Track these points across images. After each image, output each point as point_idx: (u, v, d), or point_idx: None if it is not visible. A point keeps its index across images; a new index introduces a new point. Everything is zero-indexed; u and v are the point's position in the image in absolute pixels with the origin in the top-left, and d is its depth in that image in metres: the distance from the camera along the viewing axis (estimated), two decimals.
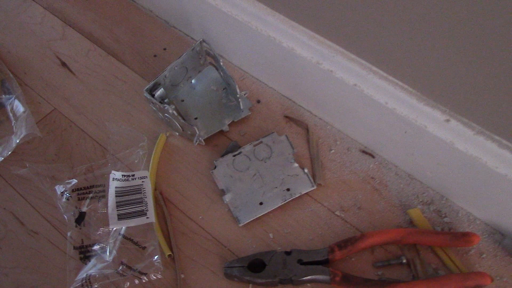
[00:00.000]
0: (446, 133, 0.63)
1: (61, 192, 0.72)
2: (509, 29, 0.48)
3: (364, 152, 0.76)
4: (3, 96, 0.82)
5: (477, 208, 0.68)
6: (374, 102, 0.67)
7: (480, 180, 0.64)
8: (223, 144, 0.77)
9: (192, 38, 0.90)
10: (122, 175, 0.72)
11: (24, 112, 0.79)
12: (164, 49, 0.88)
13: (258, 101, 0.81)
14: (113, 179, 0.71)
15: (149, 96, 0.74)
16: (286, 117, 0.79)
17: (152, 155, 0.75)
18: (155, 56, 0.87)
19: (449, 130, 0.62)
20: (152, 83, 0.75)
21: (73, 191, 0.72)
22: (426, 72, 0.59)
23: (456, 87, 0.58)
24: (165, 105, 0.72)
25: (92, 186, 0.73)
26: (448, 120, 0.62)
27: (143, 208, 0.69)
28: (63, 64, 0.87)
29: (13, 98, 0.81)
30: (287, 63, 0.74)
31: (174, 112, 0.72)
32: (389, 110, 0.66)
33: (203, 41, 0.77)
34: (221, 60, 0.76)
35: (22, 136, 0.76)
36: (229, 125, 0.78)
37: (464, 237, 0.65)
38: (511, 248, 0.66)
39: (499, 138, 0.59)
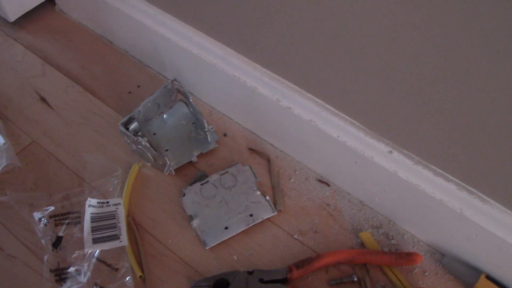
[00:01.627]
0: (390, 163, 0.71)
1: (39, 218, 0.77)
2: (435, 74, 0.56)
3: (320, 181, 0.83)
4: None
5: (420, 230, 0.76)
6: (327, 136, 0.74)
7: (420, 205, 0.71)
8: (192, 173, 0.84)
9: (164, 77, 0.97)
10: (97, 202, 0.77)
11: (4, 143, 0.84)
12: (138, 86, 0.95)
13: (225, 135, 0.88)
14: (89, 205, 0.76)
15: (123, 129, 0.80)
16: (250, 149, 0.87)
17: (126, 184, 0.81)
18: (129, 93, 0.94)
19: (392, 161, 0.71)
20: (127, 117, 0.81)
21: (50, 217, 0.77)
22: (372, 109, 0.68)
23: (397, 122, 0.67)
24: (139, 137, 0.79)
25: (68, 213, 0.78)
26: (391, 152, 0.70)
27: (117, 232, 0.75)
28: (42, 99, 0.93)
29: None
30: (250, 100, 0.82)
31: (147, 144, 0.79)
32: (341, 142, 0.74)
33: (174, 80, 0.84)
34: (190, 97, 0.83)
35: (2, 166, 0.81)
36: (198, 156, 0.85)
37: (409, 257, 0.72)
38: (450, 266, 0.73)
39: (434, 167, 0.68)
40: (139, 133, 0.84)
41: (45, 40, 1.02)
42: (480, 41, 0.50)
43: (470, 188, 0.66)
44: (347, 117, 0.73)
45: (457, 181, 0.67)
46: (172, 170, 0.82)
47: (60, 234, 0.76)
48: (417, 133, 0.65)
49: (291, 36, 0.68)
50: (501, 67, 0.50)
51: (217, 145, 0.86)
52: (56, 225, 0.77)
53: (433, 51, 0.54)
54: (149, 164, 0.84)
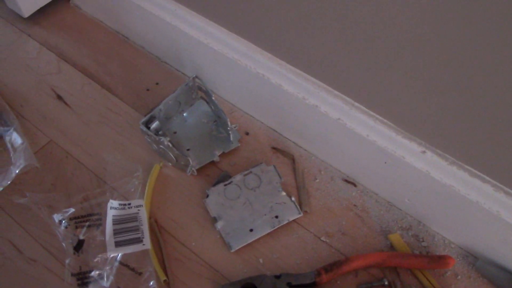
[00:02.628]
0: (423, 163, 0.68)
1: (59, 221, 0.75)
2: (472, 74, 0.54)
3: (346, 181, 0.81)
4: (1, 128, 0.85)
5: (451, 232, 0.74)
6: (356, 135, 0.72)
7: (453, 207, 0.69)
8: (214, 174, 0.82)
9: (183, 73, 0.94)
10: (119, 203, 0.75)
11: (22, 143, 0.82)
12: (157, 83, 0.93)
13: (247, 133, 0.86)
14: (111, 207, 0.74)
15: (145, 129, 0.78)
16: (274, 148, 0.84)
17: (147, 185, 0.79)
18: (147, 90, 0.92)
19: (425, 161, 0.68)
20: (148, 116, 0.79)
21: (70, 219, 0.75)
22: (404, 108, 0.65)
23: (431, 122, 0.64)
24: (161, 137, 0.76)
25: (89, 215, 0.76)
26: (424, 152, 0.68)
27: (139, 235, 0.73)
28: (59, 97, 0.91)
29: (11, 130, 0.84)
30: (274, 98, 0.79)
31: (169, 143, 0.76)
32: (370, 142, 0.71)
33: (196, 77, 0.82)
34: (212, 95, 0.81)
35: (21, 166, 0.79)
36: (220, 156, 0.82)
37: (441, 260, 0.70)
38: (483, 269, 0.71)
39: (470, 168, 0.65)
40: (159, 132, 0.82)
41: (60, 36, 1.00)
42: None
43: (508, 189, 0.64)
44: (377, 116, 0.70)
45: (494, 182, 0.64)
46: (195, 171, 0.80)
47: (81, 237, 0.74)
48: (452, 132, 0.63)
49: (318, 31, 0.65)
50: None
51: (239, 144, 0.84)
52: (76, 227, 0.75)
53: (472, 46, 0.52)
54: (170, 164, 0.82)
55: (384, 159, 0.72)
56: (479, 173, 0.65)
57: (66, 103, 0.90)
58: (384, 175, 0.75)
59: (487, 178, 0.65)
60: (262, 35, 0.75)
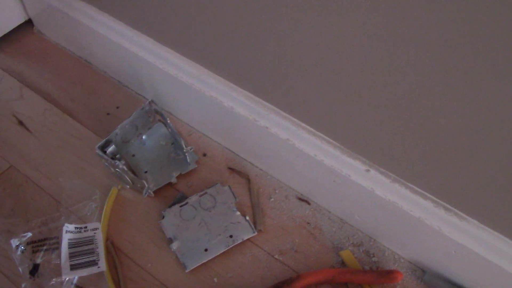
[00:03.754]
0: (367, 181, 0.71)
1: (16, 246, 0.76)
2: (408, 96, 0.57)
3: (300, 199, 0.83)
4: None
5: (400, 247, 0.76)
6: (304, 155, 0.74)
7: (399, 222, 0.71)
8: (172, 195, 0.83)
9: (143, 97, 0.96)
10: (75, 227, 0.76)
11: None
12: (117, 107, 0.95)
13: (204, 155, 0.88)
14: (66, 231, 0.76)
15: (101, 153, 0.79)
16: (230, 168, 0.86)
17: (104, 208, 0.80)
18: (108, 114, 0.94)
19: (369, 179, 0.70)
20: (103, 140, 0.81)
21: (27, 244, 0.76)
22: (348, 128, 0.68)
23: (373, 141, 0.67)
24: (116, 161, 0.78)
25: (46, 239, 0.77)
26: (368, 170, 0.70)
27: (95, 258, 0.74)
28: (20, 123, 0.92)
29: None
30: (228, 120, 0.81)
31: (124, 167, 0.78)
32: (318, 161, 0.73)
33: (152, 101, 0.84)
34: (168, 119, 0.83)
35: None
36: (177, 177, 0.84)
37: (389, 275, 0.72)
38: (431, 282, 0.73)
39: (411, 185, 0.68)
40: (117, 156, 0.83)
41: (23, 63, 1.02)
42: (465, 61, 0.50)
43: (447, 205, 0.66)
44: (323, 136, 0.72)
45: (435, 198, 0.67)
46: (151, 192, 0.81)
47: (38, 261, 0.75)
48: (393, 151, 0.65)
49: (266, 57, 0.68)
50: (483, 85, 0.50)
51: (196, 166, 0.85)
52: (33, 251, 0.76)
53: (411, 71, 0.54)
54: (128, 187, 0.83)
55: (332, 177, 0.74)
56: (420, 190, 0.67)
57: (27, 129, 0.92)
58: (334, 193, 0.77)
59: (428, 195, 0.67)
60: (214, 59, 0.77)
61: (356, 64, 0.58)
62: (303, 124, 0.74)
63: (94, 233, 0.76)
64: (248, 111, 0.77)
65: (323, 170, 0.74)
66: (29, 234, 0.77)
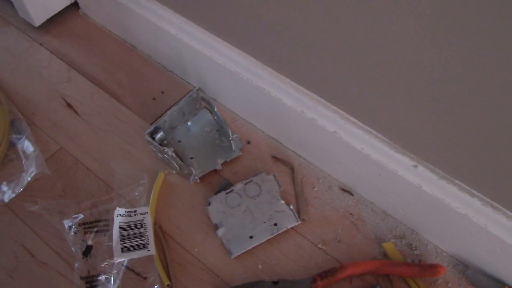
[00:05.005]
0: (414, 177, 0.71)
1: (69, 226, 0.79)
2: (463, 93, 0.57)
3: (343, 190, 0.84)
4: (14, 135, 0.89)
5: (443, 242, 0.77)
6: (351, 148, 0.75)
7: (444, 218, 0.72)
8: (216, 181, 0.85)
9: (188, 82, 0.98)
10: (125, 211, 0.79)
11: (34, 151, 0.86)
12: (162, 92, 0.97)
13: (248, 142, 0.89)
14: (117, 215, 0.78)
15: (150, 139, 0.81)
16: (274, 157, 0.88)
17: (152, 192, 0.82)
18: (154, 99, 0.96)
19: (416, 175, 0.71)
20: (153, 127, 0.83)
21: (79, 225, 0.79)
22: (397, 123, 0.68)
23: (422, 138, 0.67)
24: (165, 147, 0.80)
25: (97, 221, 0.80)
26: (415, 166, 0.71)
27: (144, 241, 0.77)
28: (69, 106, 0.95)
29: (23, 138, 0.88)
30: (275, 110, 0.82)
31: (173, 154, 0.80)
32: (365, 155, 0.74)
33: (199, 89, 0.85)
34: (215, 106, 0.84)
35: (32, 174, 0.83)
36: (222, 164, 0.86)
37: (432, 268, 0.73)
38: (473, 278, 0.74)
39: (459, 183, 0.68)
40: (164, 142, 0.85)
41: (70, 45, 1.04)
42: None
43: (495, 204, 0.67)
44: (372, 130, 0.73)
45: (482, 196, 0.67)
46: (198, 179, 0.83)
47: (90, 242, 0.78)
48: (442, 147, 0.66)
49: (317, 49, 0.68)
50: None
51: (241, 153, 0.87)
52: (85, 233, 0.79)
53: (462, 64, 0.54)
54: (174, 172, 0.85)
55: (378, 171, 0.75)
56: (468, 188, 0.68)
57: (75, 111, 0.94)
58: (379, 185, 0.78)
59: (476, 193, 0.67)
60: (264, 50, 0.78)
61: (408, 58, 0.58)
62: (352, 118, 0.74)
63: (143, 217, 0.79)
64: (296, 102, 0.78)
65: (369, 164, 0.75)
66: (81, 216, 0.80)
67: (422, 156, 0.70)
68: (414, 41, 0.56)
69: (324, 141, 0.79)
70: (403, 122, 0.67)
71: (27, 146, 0.87)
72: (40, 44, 1.04)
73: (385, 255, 0.77)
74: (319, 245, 0.79)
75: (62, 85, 0.98)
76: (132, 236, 0.77)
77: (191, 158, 0.87)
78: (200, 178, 0.84)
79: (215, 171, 0.86)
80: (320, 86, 0.74)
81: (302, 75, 0.76)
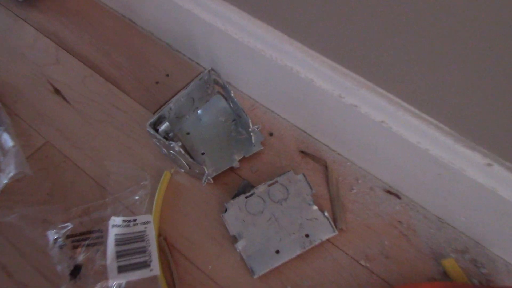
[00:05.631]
0: (488, 178, 0.56)
1: (54, 239, 0.65)
2: None
3: (389, 192, 0.69)
4: None
5: None
6: (403, 141, 0.60)
7: None
8: (234, 182, 0.70)
9: (197, 64, 0.83)
10: (123, 220, 0.64)
11: (13, 146, 0.72)
12: (167, 75, 0.82)
13: (271, 134, 0.75)
14: (113, 225, 0.64)
15: (153, 132, 0.67)
16: (302, 152, 0.73)
17: (156, 196, 0.68)
18: (157, 83, 0.81)
19: (491, 175, 0.56)
20: (156, 117, 0.68)
21: (67, 237, 0.65)
22: (466, 110, 0.53)
23: (500, 129, 0.52)
24: (171, 142, 0.65)
25: (88, 232, 0.66)
26: (490, 165, 0.56)
27: (146, 258, 0.62)
28: (57, 92, 0.80)
29: (1, 131, 0.73)
30: (304, 94, 0.67)
31: (181, 150, 0.65)
32: (421, 150, 0.59)
33: (212, 69, 0.70)
34: (231, 91, 0.69)
35: (11, 175, 0.69)
36: (240, 161, 0.71)
37: None
38: None
39: None
40: (170, 134, 0.71)
41: (59, 22, 0.89)
42: None
43: None
44: (431, 119, 0.58)
45: None
46: (211, 179, 0.69)
47: (79, 260, 0.63)
48: None
49: (359, 16, 0.53)
50: None
51: (262, 147, 0.72)
52: (74, 247, 0.65)
53: None
54: (183, 171, 0.71)
55: (437, 170, 0.60)
56: None
57: (64, 98, 0.79)
58: (436, 188, 0.63)
59: None
60: (291, 21, 0.62)
61: (478, 35, 0.43)
62: (405, 104, 0.59)
63: (145, 227, 0.64)
64: (332, 85, 0.63)
65: (426, 161, 0.60)
66: (69, 225, 0.66)
67: (499, 152, 0.55)
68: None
69: (367, 133, 0.64)
70: (474, 107, 0.52)
71: (6, 140, 0.72)
72: (24, 20, 0.89)
73: (444, 274, 0.62)
74: (362, 262, 0.64)
75: (49, 68, 0.83)
76: (131, 252, 0.63)
77: (203, 153, 0.72)
78: (214, 178, 0.70)
79: (231, 169, 0.71)
80: (364, 63, 0.59)
81: (339, 51, 0.60)
